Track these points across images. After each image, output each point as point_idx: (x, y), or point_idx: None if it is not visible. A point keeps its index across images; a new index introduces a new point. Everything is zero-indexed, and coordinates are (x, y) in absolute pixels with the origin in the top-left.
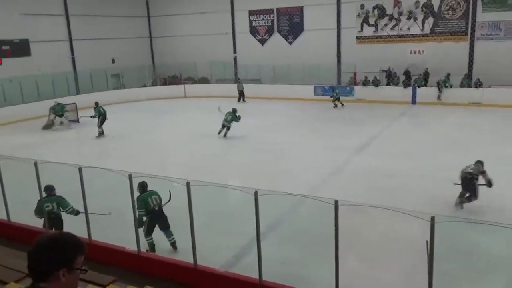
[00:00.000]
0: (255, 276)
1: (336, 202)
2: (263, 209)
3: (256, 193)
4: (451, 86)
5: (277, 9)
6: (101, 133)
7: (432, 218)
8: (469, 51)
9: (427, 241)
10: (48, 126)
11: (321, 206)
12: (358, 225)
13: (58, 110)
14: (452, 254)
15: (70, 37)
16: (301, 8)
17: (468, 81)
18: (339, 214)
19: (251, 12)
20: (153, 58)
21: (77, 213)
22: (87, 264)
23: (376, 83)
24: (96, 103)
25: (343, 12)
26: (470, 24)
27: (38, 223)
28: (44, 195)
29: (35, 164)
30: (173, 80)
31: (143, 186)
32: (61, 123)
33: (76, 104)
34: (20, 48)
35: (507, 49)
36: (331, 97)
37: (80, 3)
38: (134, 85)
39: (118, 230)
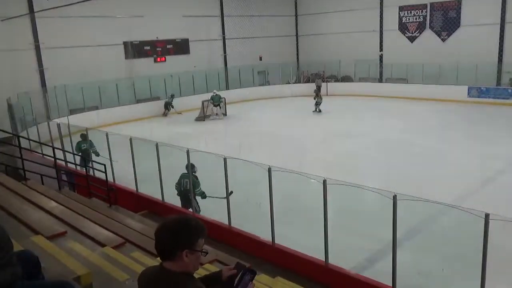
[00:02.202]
0: (388, 283)
1: (487, 216)
2: (401, 214)
3: (395, 197)
4: None
5: (431, 3)
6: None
7: None
8: None
9: None
10: (200, 118)
11: (468, 218)
12: None
13: (216, 100)
14: None
15: (223, 36)
16: (459, 2)
17: None
18: (489, 229)
19: (401, 8)
20: (298, 55)
21: (98, 154)
22: (226, 249)
23: None
24: (172, 95)
25: (509, 5)
26: None
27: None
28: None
29: (187, 152)
30: (316, 77)
31: (187, 167)
32: (216, 114)
33: (225, 99)
34: (181, 47)
35: None
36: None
37: (234, 5)
38: (278, 82)
39: (254, 220)
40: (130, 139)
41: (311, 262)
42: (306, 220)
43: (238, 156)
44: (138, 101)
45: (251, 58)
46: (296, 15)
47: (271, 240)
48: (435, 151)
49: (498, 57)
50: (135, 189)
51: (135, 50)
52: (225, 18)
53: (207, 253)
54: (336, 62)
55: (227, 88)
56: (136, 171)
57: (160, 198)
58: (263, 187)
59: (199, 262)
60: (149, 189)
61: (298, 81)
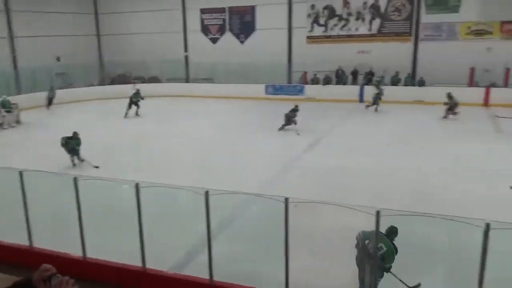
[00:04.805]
0: (207, 276)
1: (287, 199)
2: (214, 208)
3: (207, 193)
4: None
5: (229, 8)
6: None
7: (378, 212)
8: (413, 51)
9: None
10: None
11: (272, 204)
12: (308, 221)
13: (7, 106)
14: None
15: (11, 34)
16: (253, 7)
17: (411, 80)
18: (289, 211)
19: (203, 11)
20: (100, 56)
21: None
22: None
23: (326, 81)
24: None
25: (294, 12)
26: (414, 26)
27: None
28: None
29: None
30: (122, 78)
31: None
32: (8, 122)
33: (17, 104)
34: None
35: (448, 50)
36: None
37: None
38: (80, 84)
39: (64, 235)
40: None
41: (127, 270)
42: (120, 227)
43: (38, 166)
44: None
45: (48, 58)
46: (96, 13)
47: (81, 254)
48: (238, 145)
49: (288, 58)
50: None
51: None
52: (12, 13)
53: None
54: (143, 62)
55: (19, 92)
56: None
57: None
58: (70, 200)
59: None
60: None
61: (102, 83)
